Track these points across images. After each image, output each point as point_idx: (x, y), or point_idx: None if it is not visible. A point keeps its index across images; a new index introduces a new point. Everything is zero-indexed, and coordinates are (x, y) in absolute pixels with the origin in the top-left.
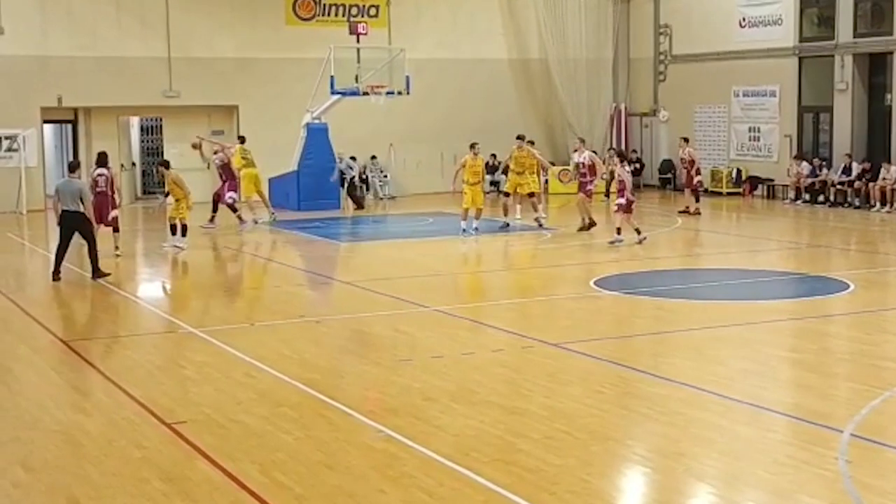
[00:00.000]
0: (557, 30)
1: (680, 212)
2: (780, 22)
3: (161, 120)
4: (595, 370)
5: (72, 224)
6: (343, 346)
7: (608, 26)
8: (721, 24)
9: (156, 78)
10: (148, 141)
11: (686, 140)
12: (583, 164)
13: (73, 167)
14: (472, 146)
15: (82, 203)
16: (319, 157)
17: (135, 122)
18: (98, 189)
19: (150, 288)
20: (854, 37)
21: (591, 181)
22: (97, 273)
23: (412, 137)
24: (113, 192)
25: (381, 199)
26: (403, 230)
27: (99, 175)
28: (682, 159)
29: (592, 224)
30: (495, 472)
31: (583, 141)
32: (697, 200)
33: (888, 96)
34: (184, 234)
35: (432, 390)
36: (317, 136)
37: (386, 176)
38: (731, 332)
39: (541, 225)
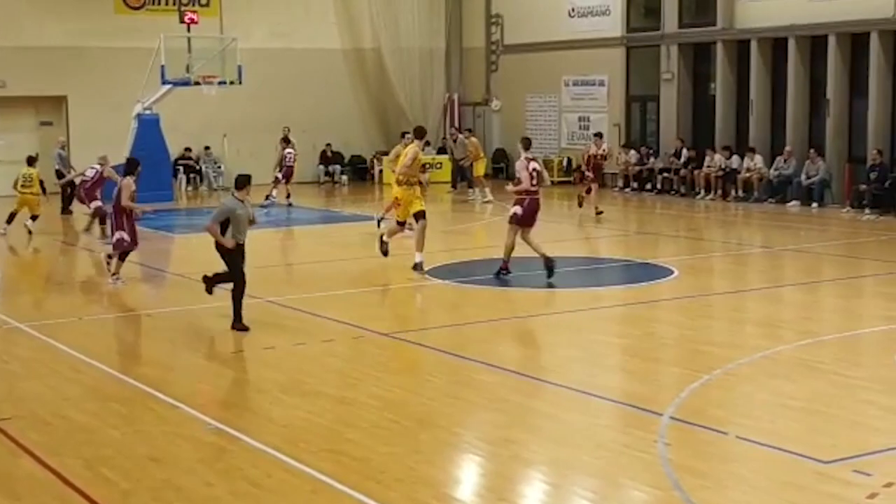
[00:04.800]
0: (390, 19)
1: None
2: (608, 12)
3: None
4: (425, 359)
5: None
6: (174, 339)
7: (440, 16)
8: (551, 14)
9: None
10: None
11: (600, 135)
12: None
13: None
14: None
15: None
16: (151, 148)
17: None
18: None
19: None
20: (679, 27)
21: None
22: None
23: (246, 128)
24: None
25: (216, 189)
26: None
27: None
28: (594, 155)
29: None
30: (322, 461)
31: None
32: (589, 192)
33: (712, 85)
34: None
35: (263, 382)
36: (148, 127)
37: (220, 167)
38: (559, 319)
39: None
